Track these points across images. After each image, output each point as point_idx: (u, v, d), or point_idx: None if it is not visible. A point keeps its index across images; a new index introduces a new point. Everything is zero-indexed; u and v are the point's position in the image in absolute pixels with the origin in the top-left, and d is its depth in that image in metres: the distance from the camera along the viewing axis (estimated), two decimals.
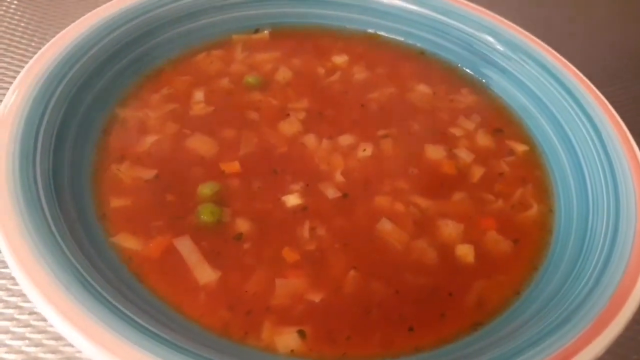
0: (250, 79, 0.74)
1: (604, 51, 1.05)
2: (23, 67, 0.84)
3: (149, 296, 0.51)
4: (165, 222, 0.56)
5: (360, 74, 0.79)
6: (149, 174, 0.61)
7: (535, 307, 0.52)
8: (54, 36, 0.63)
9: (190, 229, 0.56)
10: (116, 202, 0.58)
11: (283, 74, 0.76)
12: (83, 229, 0.53)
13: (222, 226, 0.57)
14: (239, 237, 0.56)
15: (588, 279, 0.52)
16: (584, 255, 0.56)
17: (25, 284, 0.44)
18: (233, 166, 0.63)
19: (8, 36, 0.91)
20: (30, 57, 0.86)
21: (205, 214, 0.57)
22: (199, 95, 0.71)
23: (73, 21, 0.68)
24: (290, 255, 0.55)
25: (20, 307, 0.58)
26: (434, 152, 0.68)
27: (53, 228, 0.48)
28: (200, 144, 0.65)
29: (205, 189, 0.59)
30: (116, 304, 0.45)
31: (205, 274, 0.53)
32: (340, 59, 0.81)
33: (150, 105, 0.69)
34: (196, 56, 0.77)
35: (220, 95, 0.72)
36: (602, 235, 0.57)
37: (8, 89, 0.57)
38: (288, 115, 0.70)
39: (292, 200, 0.60)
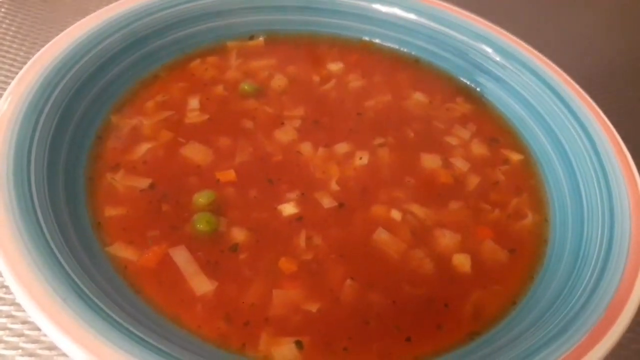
0: (246, 86, 0.73)
1: (596, 60, 1.06)
2: (13, 72, 0.84)
3: (145, 306, 0.50)
4: (161, 231, 0.56)
5: (355, 81, 0.79)
6: (143, 183, 0.60)
7: (532, 317, 0.53)
8: (44, 42, 0.62)
9: (186, 238, 0.56)
10: (111, 211, 0.57)
11: (278, 82, 0.76)
12: (78, 238, 0.52)
13: (218, 236, 0.56)
14: (235, 247, 0.56)
15: (584, 289, 0.52)
16: (580, 265, 0.56)
17: (19, 294, 0.43)
18: (228, 175, 0.62)
19: None
20: (21, 63, 0.87)
21: (202, 223, 0.56)
22: (194, 102, 0.70)
23: (64, 27, 0.67)
24: (286, 265, 0.55)
25: (13, 316, 0.57)
26: (430, 161, 0.68)
27: (48, 237, 0.48)
28: (196, 153, 0.64)
29: (201, 198, 0.58)
30: (112, 314, 0.44)
31: (202, 284, 0.52)
32: (335, 67, 0.81)
33: (145, 113, 0.68)
34: (191, 63, 0.77)
35: (216, 102, 0.71)
36: (598, 245, 0.57)
37: None
38: (283, 123, 0.70)
39: (288, 209, 0.60)
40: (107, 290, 0.48)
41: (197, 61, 0.77)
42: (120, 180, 0.60)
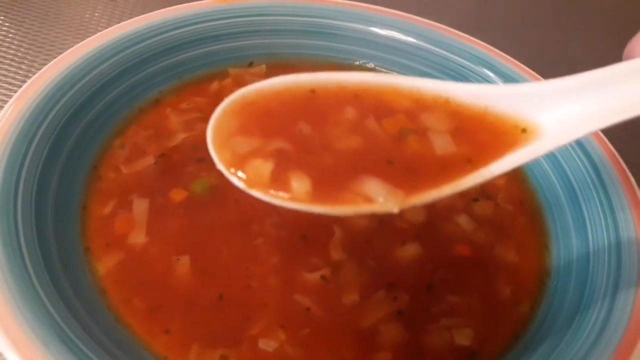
0: None
1: None
2: (10, 92, 0.83)
3: (128, 342, 0.49)
4: None
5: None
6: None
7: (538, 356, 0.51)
8: (42, 62, 0.60)
9: None
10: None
11: None
12: (66, 274, 0.51)
13: None
14: None
15: (592, 326, 0.51)
16: (586, 300, 0.54)
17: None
18: None
19: None
20: (18, 83, 0.85)
21: None
22: None
23: (62, 48, 0.65)
24: None
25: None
26: None
27: (33, 276, 0.46)
28: None
29: None
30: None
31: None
32: None
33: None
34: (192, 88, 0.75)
35: None
36: (605, 278, 0.55)
37: None
38: None
39: None
40: (93, 331, 0.46)
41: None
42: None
